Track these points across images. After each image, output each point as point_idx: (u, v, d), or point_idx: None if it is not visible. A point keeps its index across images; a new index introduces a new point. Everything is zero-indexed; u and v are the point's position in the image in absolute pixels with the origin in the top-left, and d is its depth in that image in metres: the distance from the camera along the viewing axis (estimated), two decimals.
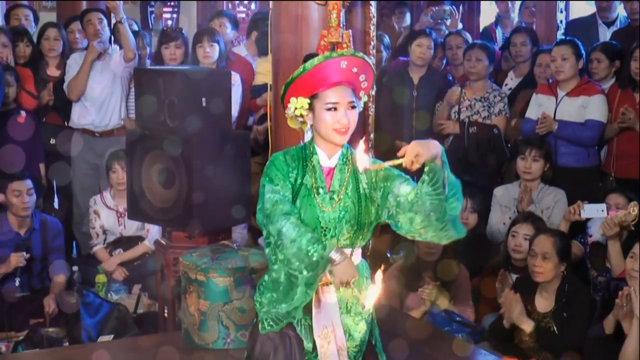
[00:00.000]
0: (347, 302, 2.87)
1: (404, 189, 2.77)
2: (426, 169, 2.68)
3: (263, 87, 5.72)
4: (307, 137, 2.96)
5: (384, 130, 5.45)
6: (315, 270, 2.68)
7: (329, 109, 2.78)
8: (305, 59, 2.89)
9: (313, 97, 2.80)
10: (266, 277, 2.88)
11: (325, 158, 2.85)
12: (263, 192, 2.80)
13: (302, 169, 2.82)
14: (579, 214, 4.71)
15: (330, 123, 2.78)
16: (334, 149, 2.85)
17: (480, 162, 5.62)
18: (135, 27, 6.87)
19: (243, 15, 9.15)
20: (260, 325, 2.86)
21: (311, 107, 2.81)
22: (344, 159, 2.86)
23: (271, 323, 2.84)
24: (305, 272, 2.68)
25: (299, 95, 2.80)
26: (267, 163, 2.84)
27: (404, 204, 2.75)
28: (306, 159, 2.84)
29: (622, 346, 3.88)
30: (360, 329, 2.89)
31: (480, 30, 7.88)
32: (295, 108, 2.80)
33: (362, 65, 2.82)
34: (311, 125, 2.84)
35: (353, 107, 2.80)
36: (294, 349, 2.83)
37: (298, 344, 2.83)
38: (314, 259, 2.65)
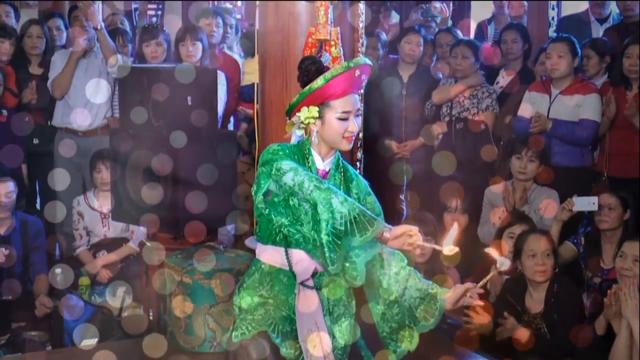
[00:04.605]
0: (329, 304, 2.85)
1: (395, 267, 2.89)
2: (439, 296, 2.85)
3: (252, 88, 5.66)
4: (294, 138, 2.91)
5: (373, 129, 5.40)
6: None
7: (341, 118, 2.77)
8: (303, 61, 2.84)
9: (322, 105, 2.78)
10: (246, 279, 2.90)
11: (320, 161, 2.84)
12: (263, 177, 2.76)
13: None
14: (571, 209, 4.70)
15: (340, 131, 2.78)
16: (329, 153, 2.85)
17: (469, 159, 5.58)
18: (127, 24, 6.81)
19: (234, 12, 9.08)
20: (233, 334, 2.84)
21: (320, 115, 2.79)
22: (337, 166, 2.86)
23: (244, 331, 2.82)
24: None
25: (310, 104, 2.78)
26: (269, 152, 2.79)
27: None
28: (303, 159, 2.82)
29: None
30: (344, 331, 2.87)
31: (475, 26, 7.83)
32: (306, 117, 2.78)
33: (368, 71, 2.84)
34: (317, 131, 2.81)
35: (359, 114, 2.82)
36: (267, 354, 2.80)
37: (272, 350, 2.81)
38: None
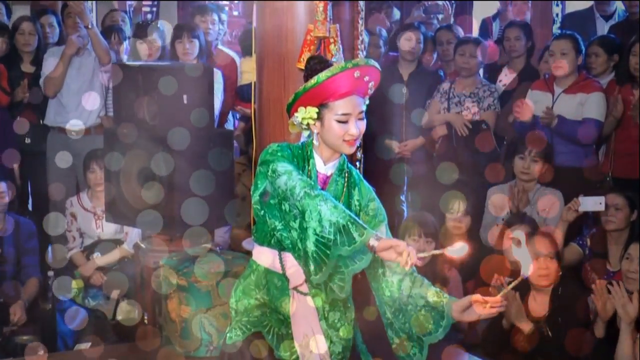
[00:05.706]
0: (324, 310, 2.80)
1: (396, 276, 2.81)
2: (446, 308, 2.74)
3: (250, 87, 5.62)
4: (301, 138, 2.84)
5: (373, 129, 5.33)
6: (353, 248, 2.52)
7: (340, 121, 2.69)
8: (309, 60, 2.77)
9: (322, 106, 2.70)
10: (242, 280, 2.88)
11: (321, 164, 2.77)
12: (261, 177, 2.71)
13: (301, 169, 2.73)
14: (577, 210, 4.66)
15: (340, 134, 2.70)
16: (332, 157, 2.78)
17: (470, 159, 5.52)
18: (128, 22, 6.75)
19: (226, 8, 9.05)
20: (228, 335, 2.78)
21: (319, 116, 2.71)
22: (341, 171, 2.79)
23: (238, 332, 2.76)
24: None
25: (308, 105, 2.70)
26: (268, 152, 2.73)
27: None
28: (304, 161, 2.76)
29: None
30: (341, 335, 2.83)
31: (480, 22, 7.81)
32: (303, 118, 2.71)
33: (373, 73, 2.75)
34: (317, 133, 2.74)
35: (362, 117, 2.74)
36: (262, 356, 2.75)
37: (267, 352, 2.76)
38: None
